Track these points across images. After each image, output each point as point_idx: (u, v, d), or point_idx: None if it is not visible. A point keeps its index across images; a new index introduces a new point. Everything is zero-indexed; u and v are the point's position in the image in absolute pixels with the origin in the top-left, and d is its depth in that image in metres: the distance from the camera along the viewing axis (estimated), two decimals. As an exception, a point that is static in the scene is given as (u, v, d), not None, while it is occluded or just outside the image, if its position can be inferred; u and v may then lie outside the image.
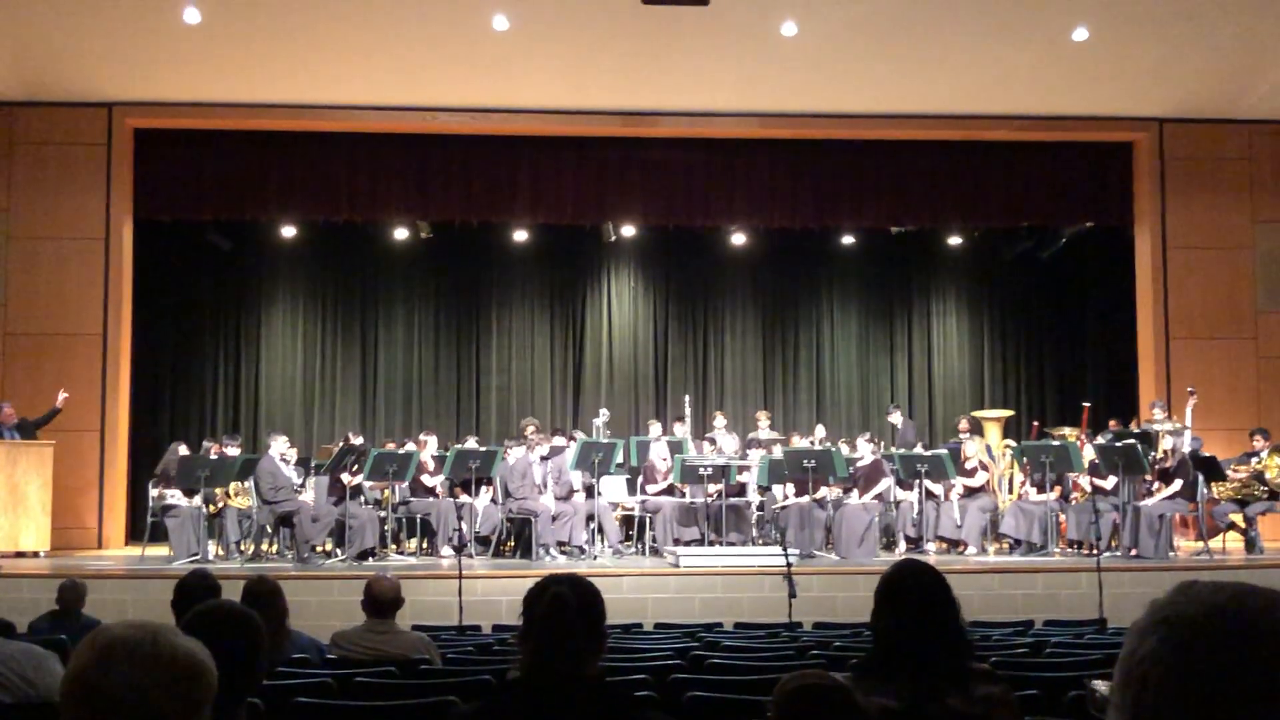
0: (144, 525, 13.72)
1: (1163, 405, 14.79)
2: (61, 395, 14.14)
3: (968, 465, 14.07)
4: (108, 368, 15.31)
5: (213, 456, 13.37)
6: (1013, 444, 15.55)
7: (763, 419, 16.66)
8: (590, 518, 13.48)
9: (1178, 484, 13.07)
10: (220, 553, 13.29)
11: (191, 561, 12.12)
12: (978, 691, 3.52)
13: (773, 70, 14.91)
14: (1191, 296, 16.23)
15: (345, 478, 13.15)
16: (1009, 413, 17.34)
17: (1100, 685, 1.31)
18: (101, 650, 1.99)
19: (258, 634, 3.04)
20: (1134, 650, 1.18)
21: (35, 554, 13.54)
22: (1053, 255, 18.30)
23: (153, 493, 13.68)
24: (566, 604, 3.03)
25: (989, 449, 15.22)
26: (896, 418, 16.80)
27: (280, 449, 13.29)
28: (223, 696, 2.28)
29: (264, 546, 13.72)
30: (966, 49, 14.52)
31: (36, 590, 10.29)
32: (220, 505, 13.44)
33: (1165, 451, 13.36)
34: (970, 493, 13.96)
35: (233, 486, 13.49)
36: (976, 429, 15.87)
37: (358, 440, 14.36)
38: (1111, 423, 15.36)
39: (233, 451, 13.46)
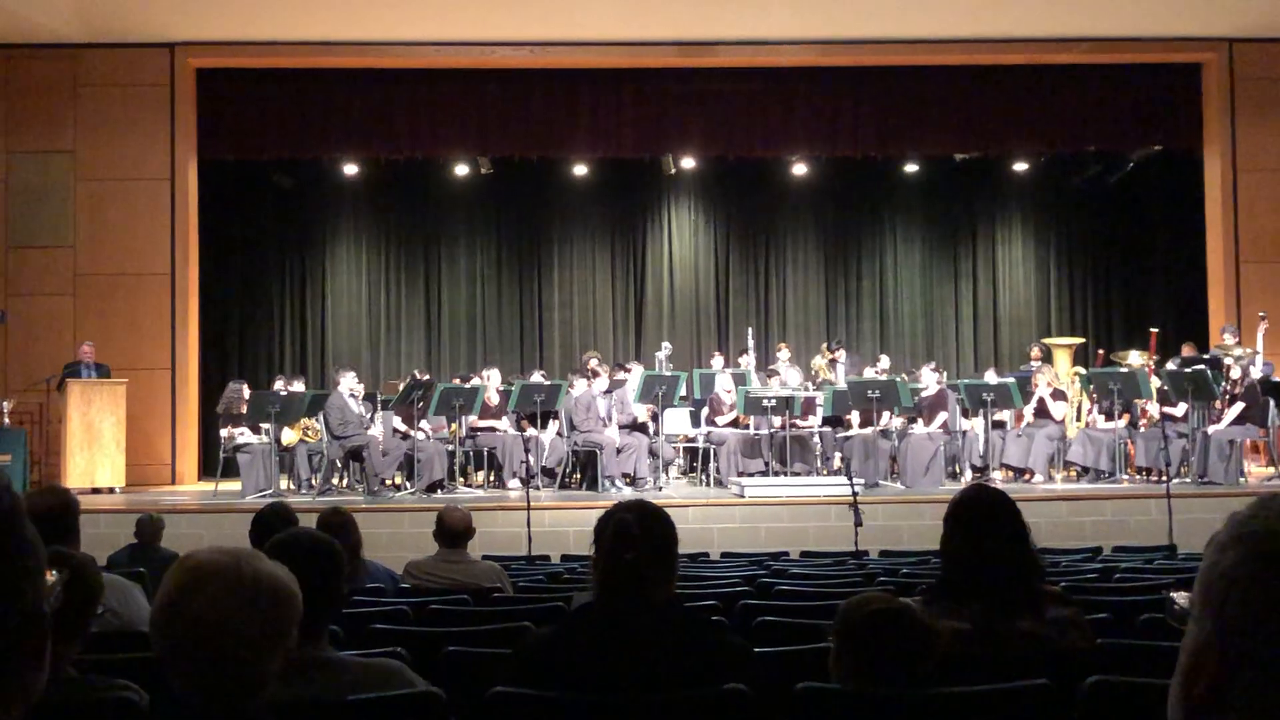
0: (216, 461, 13.94)
1: (1233, 330, 14.58)
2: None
3: (1038, 394, 13.93)
4: (176, 307, 15.50)
5: (282, 393, 13.54)
6: (1081, 371, 15.41)
7: (818, 358, 16.47)
8: (653, 452, 13.55)
9: (1239, 406, 12.93)
10: (291, 487, 13.50)
11: (262, 496, 12.31)
12: (1049, 614, 3.53)
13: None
14: (1262, 220, 15.94)
15: (398, 422, 13.34)
16: (1079, 340, 17.16)
17: (1180, 597, 1.30)
18: (189, 575, 2.04)
19: (338, 560, 3.10)
20: (1215, 564, 1.18)
21: (111, 490, 13.82)
22: (1120, 180, 18.01)
23: (222, 432, 13.88)
24: (633, 529, 3.07)
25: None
26: (841, 355, 16.40)
27: (349, 385, 13.42)
28: (305, 621, 2.33)
29: (334, 481, 13.91)
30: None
31: (114, 525, 10.48)
32: (294, 441, 13.64)
33: (1234, 380, 13.19)
34: (1039, 421, 13.85)
35: (302, 423, 13.69)
36: (1047, 357, 15.73)
37: (424, 376, 14.48)
38: (1185, 347, 15.17)
39: (297, 389, 13.66)
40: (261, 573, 2.06)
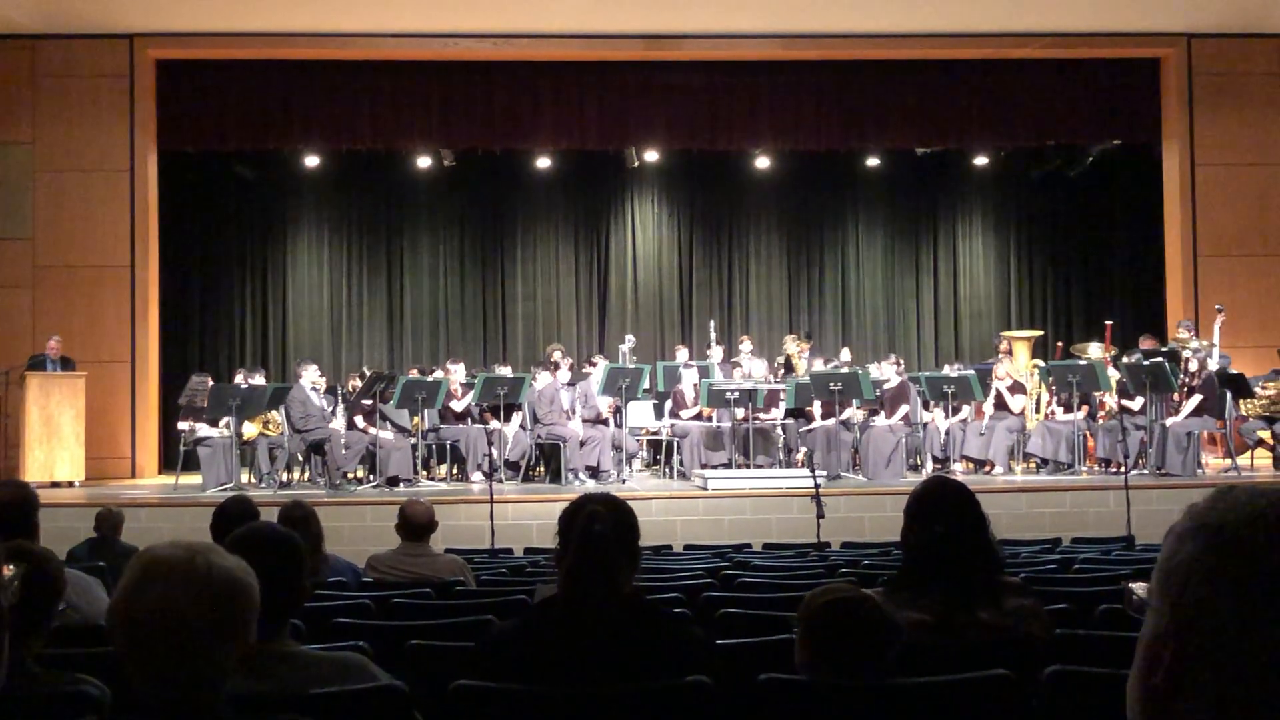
0: (176, 454, 13.84)
1: (1188, 325, 14.70)
2: None
3: (999, 385, 14.00)
4: (136, 299, 15.38)
5: (243, 387, 13.45)
6: (1041, 364, 15.51)
7: (790, 342, 16.58)
8: (616, 445, 13.56)
9: (1197, 399, 13.05)
10: (252, 481, 13.43)
11: (223, 490, 12.22)
12: (1009, 604, 3.56)
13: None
14: (1220, 214, 16.08)
15: (358, 418, 13.29)
16: (1038, 332, 17.26)
17: (1138, 588, 1.32)
18: (142, 570, 2.04)
19: (298, 553, 3.08)
20: (1173, 555, 1.19)
21: (70, 484, 13.71)
22: (1080, 174, 18.13)
23: (182, 426, 13.78)
24: (601, 522, 3.07)
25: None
26: (807, 348, 16.39)
27: (311, 378, 13.37)
28: (267, 615, 2.33)
29: (294, 474, 13.83)
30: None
31: (73, 519, 10.39)
32: (254, 434, 13.57)
33: (1192, 373, 13.31)
34: (998, 413, 13.92)
35: (263, 416, 13.61)
36: (1006, 349, 15.82)
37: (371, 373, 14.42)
38: (1142, 340, 15.28)
39: (258, 382, 13.60)
40: (214, 566, 2.06)
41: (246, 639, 2.08)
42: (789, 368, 15.47)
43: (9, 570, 1.38)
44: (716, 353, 15.66)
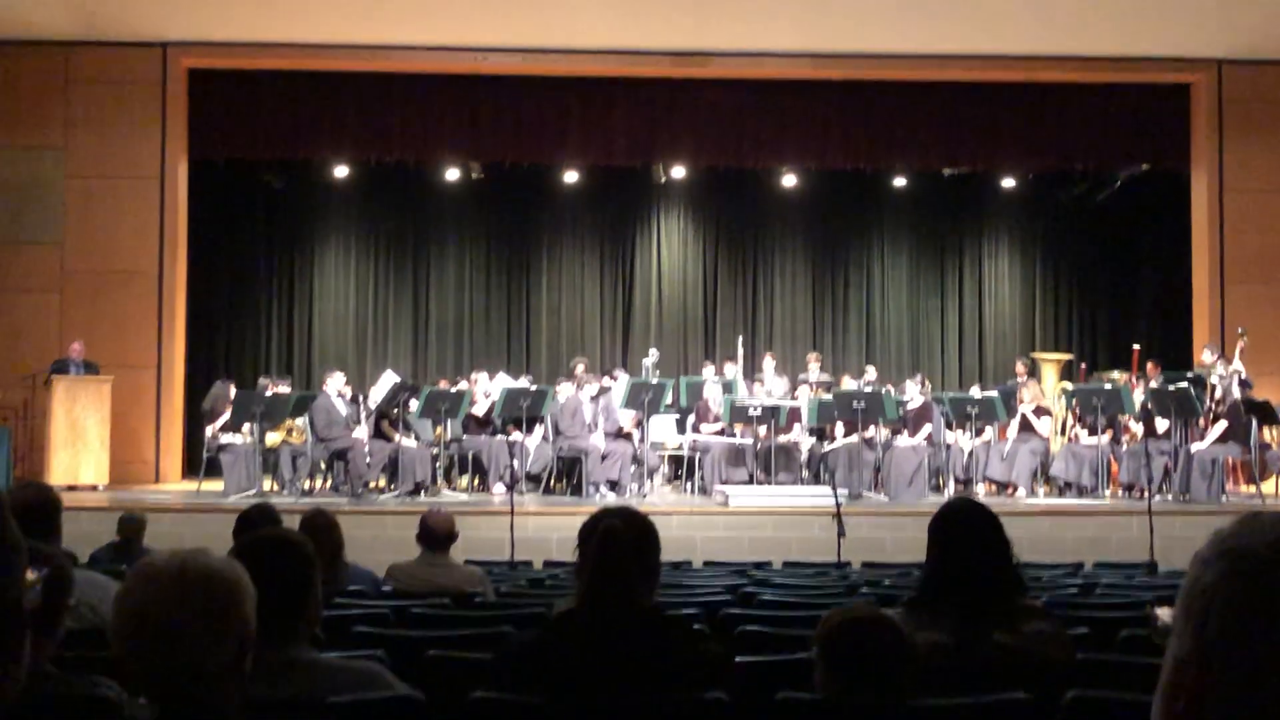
0: (200, 460, 13.89)
1: (1214, 348, 14.60)
2: None
3: (1022, 409, 13.94)
4: (163, 305, 15.46)
5: (267, 394, 13.48)
6: (1067, 386, 15.44)
7: (813, 361, 16.57)
8: (637, 460, 13.54)
9: (1223, 425, 12.97)
10: (274, 488, 13.45)
11: (245, 496, 12.25)
12: (1028, 627, 3.54)
13: (826, 9, 14.73)
14: (1248, 241, 15.99)
15: (384, 423, 13.30)
16: (1067, 355, 17.19)
17: (1163, 613, 1.32)
18: (132, 576, 2.09)
19: (309, 560, 3.05)
20: (1197, 580, 1.18)
21: (94, 487, 13.77)
22: (1107, 199, 18.04)
23: (207, 432, 13.82)
24: (619, 535, 3.07)
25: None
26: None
27: (337, 386, 13.38)
28: (279, 622, 2.32)
29: (316, 483, 13.86)
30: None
31: (96, 523, 10.39)
32: (277, 442, 13.59)
33: (1217, 399, 13.23)
34: (1022, 435, 13.86)
35: (287, 424, 13.64)
36: (1033, 372, 15.75)
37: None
38: (1150, 366, 15.18)
39: (283, 390, 13.64)
40: (190, 564, 2.08)
41: (239, 637, 2.08)
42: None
43: (32, 575, 1.39)
44: (730, 369, 15.62)
